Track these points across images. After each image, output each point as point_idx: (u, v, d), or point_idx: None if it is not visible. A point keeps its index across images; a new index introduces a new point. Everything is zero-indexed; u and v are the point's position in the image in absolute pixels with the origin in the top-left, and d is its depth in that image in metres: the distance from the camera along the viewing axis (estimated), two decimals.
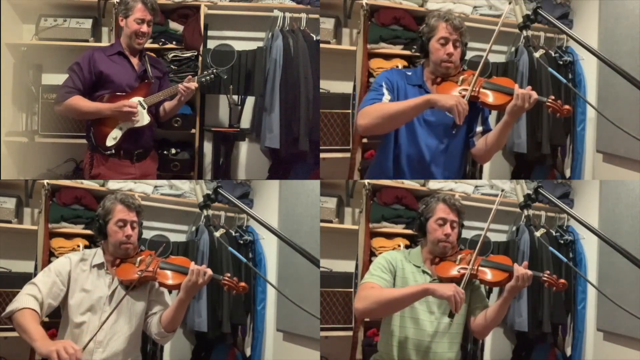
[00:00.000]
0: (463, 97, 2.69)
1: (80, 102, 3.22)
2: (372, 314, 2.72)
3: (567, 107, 2.66)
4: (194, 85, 3.33)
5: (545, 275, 2.63)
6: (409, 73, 2.89)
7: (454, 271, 2.63)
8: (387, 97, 2.76)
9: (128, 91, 3.29)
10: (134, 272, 2.65)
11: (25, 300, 2.53)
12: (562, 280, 2.64)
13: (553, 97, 2.67)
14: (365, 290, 2.59)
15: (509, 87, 2.69)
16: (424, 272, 2.69)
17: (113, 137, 3.26)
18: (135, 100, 3.25)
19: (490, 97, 2.71)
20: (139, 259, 2.69)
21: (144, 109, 3.27)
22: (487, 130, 2.85)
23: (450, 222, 2.68)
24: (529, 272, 2.55)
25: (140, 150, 3.38)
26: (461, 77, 2.76)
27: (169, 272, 2.67)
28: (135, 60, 3.37)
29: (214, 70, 3.49)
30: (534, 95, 2.60)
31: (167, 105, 3.42)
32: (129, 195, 2.78)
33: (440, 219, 2.69)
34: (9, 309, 2.53)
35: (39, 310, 2.54)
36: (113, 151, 3.28)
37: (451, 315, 2.50)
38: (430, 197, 2.78)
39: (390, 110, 2.65)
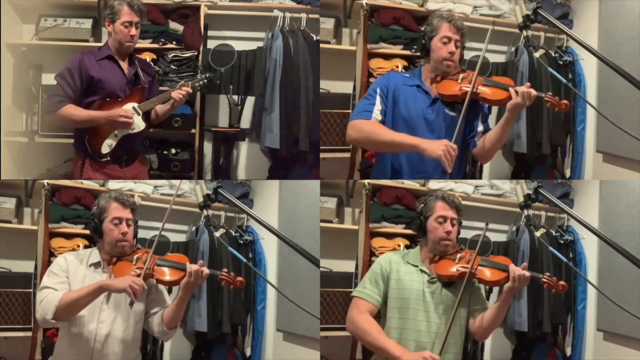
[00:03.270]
0: (465, 93, 2.77)
1: (73, 111, 3.16)
2: (355, 337, 2.84)
3: (565, 101, 2.74)
4: (188, 90, 3.28)
5: (545, 277, 2.62)
6: (407, 75, 2.97)
7: (454, 269, 2.62)
8: (378, 107, 2.85)
9: (120, 96, 3.24)
10: (130, 270, 2.64)
11: (54, 296, 2.54)
12: (562, 282, 2.62)
13: (551, 93, 2.76)
14: (355, 309, 2.67)
15: (508, 83, 2.79)
16: (422, 271, 2.68)
17: (108, 144, 3.23)
18: (130, 106, 3.21)
19: (489, 94, 2.79)
20: (135, 256, 2.68)
21: (139, 115, 3.23)
22: (487, 130, 2.88)
23: (450, 220, 2.67)
24: (526, 274, 2.55)
25: (127, 156, 3.33)
26: (461, 76, 2.84)
27: (166, 269, 2.67)
28: (124, 65, 3.29)
29: (207, 75, 3.47)
30: (533, 92, 2.71)
31: (159, 109, 3.36)
32: (123, 193, 2.78)
33: (440, 217, 2.68)
34: (45, 312, 2.53)
35: None
36: (109, 158, 3.24)
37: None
38: (428, 195, 2.77)
39: (379, 138, 2.76)
